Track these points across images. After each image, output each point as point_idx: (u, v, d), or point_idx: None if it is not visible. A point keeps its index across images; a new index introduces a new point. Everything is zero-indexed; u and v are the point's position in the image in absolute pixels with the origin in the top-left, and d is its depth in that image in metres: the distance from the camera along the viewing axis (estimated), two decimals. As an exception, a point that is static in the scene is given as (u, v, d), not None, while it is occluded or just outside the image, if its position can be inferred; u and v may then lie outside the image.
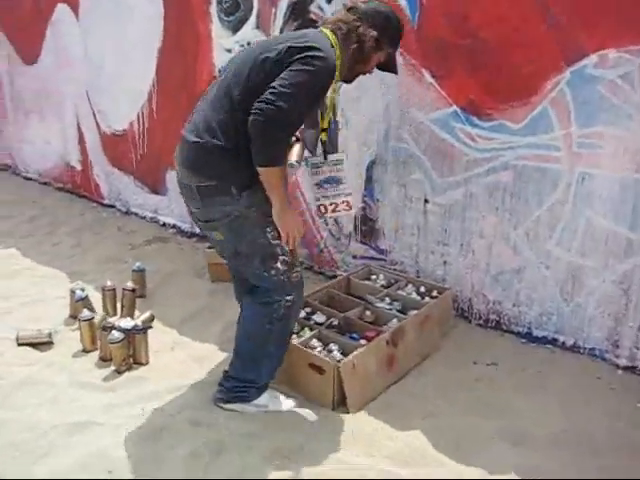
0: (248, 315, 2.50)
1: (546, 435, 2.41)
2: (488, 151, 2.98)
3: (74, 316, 3.31)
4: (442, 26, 2.99)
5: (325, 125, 2.48)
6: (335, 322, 2.95)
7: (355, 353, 2.64)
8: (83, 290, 3.41)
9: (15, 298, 3.63)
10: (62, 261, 4.18)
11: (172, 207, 4.68)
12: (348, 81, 2.44)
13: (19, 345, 3.11)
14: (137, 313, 3.39)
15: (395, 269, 3.48)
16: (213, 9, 3.91)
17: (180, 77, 4.25)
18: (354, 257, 3.67)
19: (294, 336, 2.85)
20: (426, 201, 3.26)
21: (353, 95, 3.38)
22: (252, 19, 3.71)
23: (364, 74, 2.43)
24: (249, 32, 3.75)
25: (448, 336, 3.17)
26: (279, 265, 2.33)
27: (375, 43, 2.30)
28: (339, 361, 2.59)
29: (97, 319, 3.16)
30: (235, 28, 3.82)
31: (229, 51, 3.87)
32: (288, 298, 2.39)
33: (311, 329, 2.91)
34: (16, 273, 3.99)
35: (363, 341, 2.79)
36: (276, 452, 2.30)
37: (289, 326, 2.51)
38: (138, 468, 2.22)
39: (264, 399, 2.56)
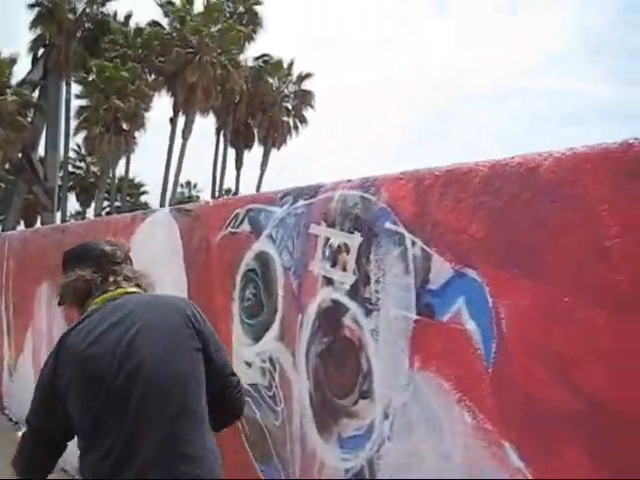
0: None
1: None
2: None
3: None
4: (535, 372, 1.66)
5: None
6: None
7: None
8: None
9: None
10: None
11: None
12: None
13: None
14: None
15: None
16: (235, 307, 2.88)
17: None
18: None
19: None
20: None
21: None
22: (275, 326, 2.62)
23: None
24: (271, 343, 2.64)
25: None
26: None
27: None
28: None
29: None
30: (257, 336, 2.73)
31: (248, 365, 2.76)
32: None
33: None
34: None
35: None
36: None
37: None
38: None
39: None
